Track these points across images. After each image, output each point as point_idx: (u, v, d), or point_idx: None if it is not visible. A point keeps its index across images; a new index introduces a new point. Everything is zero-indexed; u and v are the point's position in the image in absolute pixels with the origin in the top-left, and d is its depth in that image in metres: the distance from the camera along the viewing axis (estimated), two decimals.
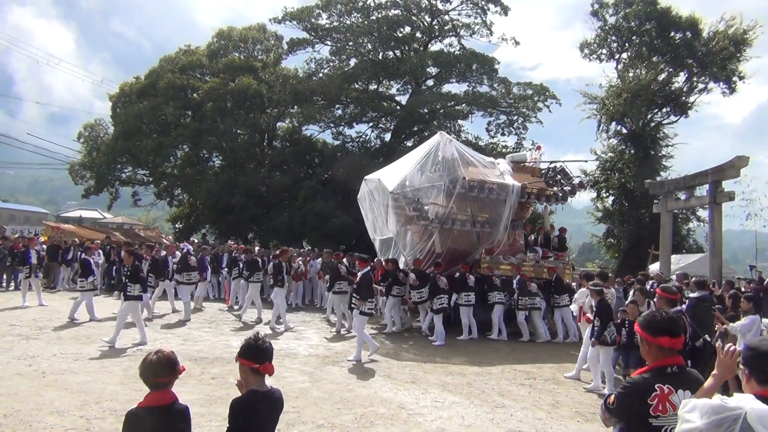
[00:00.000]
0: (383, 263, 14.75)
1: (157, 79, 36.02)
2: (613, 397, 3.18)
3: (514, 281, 14.35)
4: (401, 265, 15.18)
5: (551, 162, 17.59)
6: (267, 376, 3.40)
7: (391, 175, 14.93)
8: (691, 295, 11.16)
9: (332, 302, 14.60)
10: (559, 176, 16.39)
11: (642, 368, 3.24)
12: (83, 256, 14.73)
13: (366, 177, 16.23)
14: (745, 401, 2.38)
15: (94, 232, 27.77)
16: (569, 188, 16.16)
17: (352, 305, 12.26)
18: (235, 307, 16.79)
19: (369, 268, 12.62)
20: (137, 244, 19.57)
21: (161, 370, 3.24)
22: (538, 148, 18.07)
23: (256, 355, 3.35)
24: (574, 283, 15.23)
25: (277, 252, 16.14)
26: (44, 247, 19.35)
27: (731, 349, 2.87)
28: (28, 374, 8.10)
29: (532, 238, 16.48)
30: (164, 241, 25.46)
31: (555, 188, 16.06)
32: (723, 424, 2.31)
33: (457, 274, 14.09)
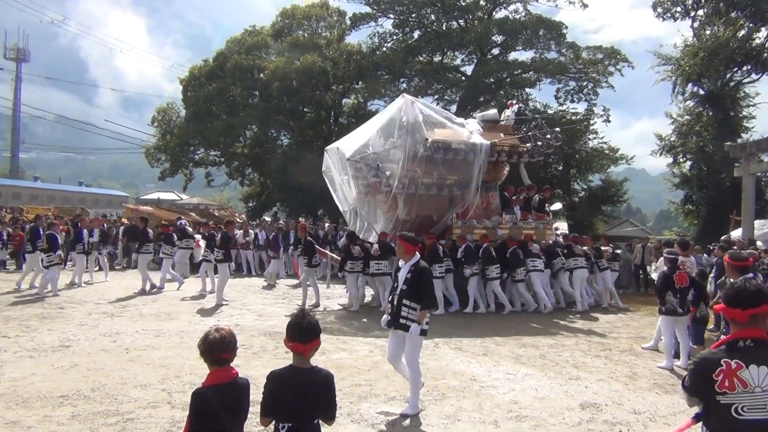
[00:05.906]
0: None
1: (224, 61, 36.52)
2: (686, 374, 3.03)
3: (481, 250, 13.49)
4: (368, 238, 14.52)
5: (529, 119, 16.67)
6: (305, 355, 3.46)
7: (351, 143, 14.17)
8: None
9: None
10: (532, 132, 15.51)
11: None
12: (47, 231, 14.35)
13: (326, 148, 15.43)
14: None
15: (170, 213, 28.75)
16: (542, 143, 15.24)
17: None
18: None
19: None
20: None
21: (224, 346, 3.26)
22: (510, 105, 17.30)
23: (288, 332, 3.45)
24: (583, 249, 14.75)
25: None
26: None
27: None
28: (113, 350, 8.50)
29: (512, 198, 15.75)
30: (237, 219, 26.30)
31: (528, 144, 15.19)
32: None
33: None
